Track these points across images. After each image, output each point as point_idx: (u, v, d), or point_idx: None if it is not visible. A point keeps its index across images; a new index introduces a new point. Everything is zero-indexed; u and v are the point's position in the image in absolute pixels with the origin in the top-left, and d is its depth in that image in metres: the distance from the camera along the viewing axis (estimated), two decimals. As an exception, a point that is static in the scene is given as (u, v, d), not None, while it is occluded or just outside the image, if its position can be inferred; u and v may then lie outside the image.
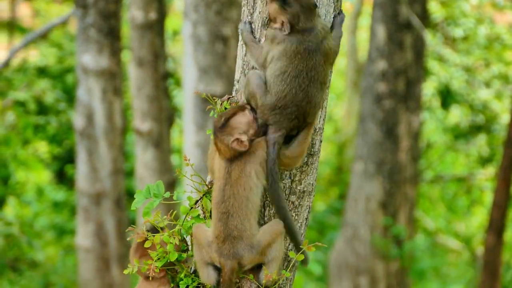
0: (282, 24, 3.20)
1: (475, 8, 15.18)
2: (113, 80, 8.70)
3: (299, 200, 3.35)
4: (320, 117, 3.33)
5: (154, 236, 3.29)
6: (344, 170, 15.82)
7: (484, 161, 14.98)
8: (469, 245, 13.99)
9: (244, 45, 3.32)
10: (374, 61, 10.12)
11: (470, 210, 14.88)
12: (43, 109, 14.35)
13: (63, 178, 14.46)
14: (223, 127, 3.18)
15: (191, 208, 3.34)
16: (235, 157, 3.18)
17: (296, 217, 3.36)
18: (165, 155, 9.22)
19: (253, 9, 3.31)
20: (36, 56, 15.69)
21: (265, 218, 3.30)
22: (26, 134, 13.96)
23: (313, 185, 3.38)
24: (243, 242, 3.15)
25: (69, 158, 13.91)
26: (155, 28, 9.10)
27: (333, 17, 3.31)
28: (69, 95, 14.20)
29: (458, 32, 15.00)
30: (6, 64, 11.43)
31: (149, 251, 3.29)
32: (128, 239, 3.39)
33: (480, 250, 13.14)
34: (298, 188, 3.34)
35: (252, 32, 3.30)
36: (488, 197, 14.45)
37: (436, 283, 12.63)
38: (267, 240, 3.18)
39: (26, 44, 11.02)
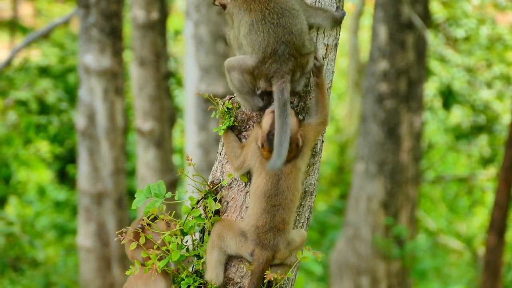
0: None
1: (477, 9, 15.19)
2: (115, 80, 8.70)
3: (300, 200, 3.35)
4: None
5: (151, 225, 3.28)
6: (346, 170, 15.82)
7: (485, 162, 14.98)
8: (470, 246, 13.97)
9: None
10: (375, 61, 10.11)
11: (471, 211, 14.87)
12: (44, 108, 14.34)
13: (65, 177, 14.46)
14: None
15: (193, 208, 3.33)
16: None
17: (297, 217, 3.36)
18: (167, 155, 9.21)
19: None
20: (38, 55, 15.69)
21: None
22: (28, 133, 13.95)
23: (315, 185, 3.38)
24: (284, 236, 3.20)
25: (70, 158, 13.91)
26: (157, 28, 9.10)
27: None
28: (71, 95, 14.20)
29: (460, 33, 15.01)
30: (8, 63, 11.44)
31: (150, 250, 3.28)
32: (121, 240, 3.37)
33: (481, 250, 13.14)
34: (300, 188, 3.34)
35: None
36: (490, 198, 14.44)
37: (437, 283, 12.62)
38: (298, 242, 3.26)
39: (28, 43, 11.03)
